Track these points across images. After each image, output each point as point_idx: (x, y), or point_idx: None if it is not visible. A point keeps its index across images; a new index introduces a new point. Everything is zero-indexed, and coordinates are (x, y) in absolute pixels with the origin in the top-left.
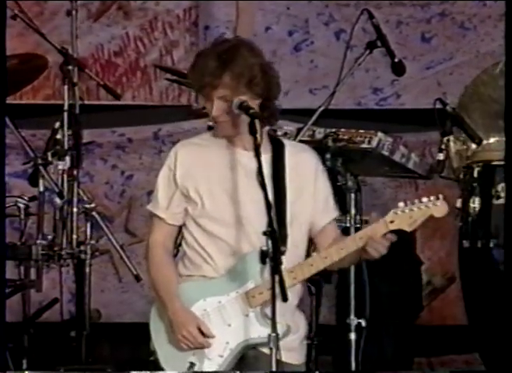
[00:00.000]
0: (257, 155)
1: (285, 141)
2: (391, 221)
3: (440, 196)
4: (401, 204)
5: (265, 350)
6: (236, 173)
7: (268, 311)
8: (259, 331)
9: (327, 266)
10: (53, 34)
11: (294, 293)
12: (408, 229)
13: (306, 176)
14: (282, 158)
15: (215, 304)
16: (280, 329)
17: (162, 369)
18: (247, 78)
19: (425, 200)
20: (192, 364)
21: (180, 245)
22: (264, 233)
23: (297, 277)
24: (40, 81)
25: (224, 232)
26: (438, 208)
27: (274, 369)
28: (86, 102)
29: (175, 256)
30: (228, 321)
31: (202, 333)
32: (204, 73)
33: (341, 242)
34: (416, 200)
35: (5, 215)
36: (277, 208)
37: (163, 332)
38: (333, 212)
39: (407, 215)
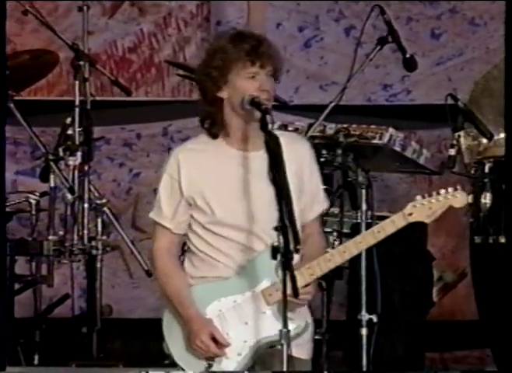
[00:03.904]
0: (268, 152)
1: (277, 132)
2: (410, 214)
3: (458, 186)
4: (418, 197)
5: (280, 347)
6: (241, 176)
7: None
8: (277, 328)
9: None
10: (68, 31)
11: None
12: (427, 221)
13: (303, 166)
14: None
15: (231, 303)
16: (301, 326)
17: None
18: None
19: (443, 191)
20: (210, 364)
21: (184, 248)
22: (276, 228)
23: (315, 273)
24: (54, 78)
25: (238, 235)
26: (457, 199)
27: (285, 365)
28: (99, 98)
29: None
30: (245, 319)
31: (216, 342)
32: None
33: (359, 236)
34: (434, 193)
35: (5, 211)
36: (284, 205)
37: (179, 338)
38: (323, 204)
39: (426, 207)
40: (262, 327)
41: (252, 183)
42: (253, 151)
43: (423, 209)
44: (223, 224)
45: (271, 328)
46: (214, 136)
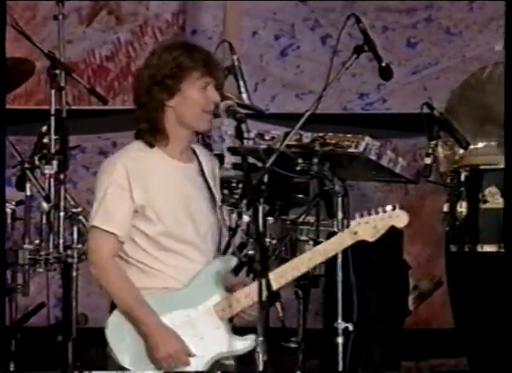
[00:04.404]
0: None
1: (193, 146)
2: (355, 233)
3: (397, 205)
4: (357, 215)
5: (224, 361)
6: (184, 187)
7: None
8: (231, 344)
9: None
10: (47, 40)
11: None
12: (370, 240)
13: (217, 179)
14: (201, 164)
15: (184, 317)
16: (251, 344)
17: None
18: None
19: (380, 209)
20: None
21: None
22: (252, 238)
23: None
24: (32, 87)
25: (185, 248)
26: (399, 219)
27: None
28: (76, 107)
29: None
30: (200, 334)
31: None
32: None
33: (308, 252)
34: (373, 211)
35: (5, 220)
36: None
37: (133, 345)
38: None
39: (370, 225)
40: (217, 342)
41: (194, 195)
42: (188, 163)
43: (367, 227)
44: (170, 235)
45: (225, 343)
46: (151, 145)
